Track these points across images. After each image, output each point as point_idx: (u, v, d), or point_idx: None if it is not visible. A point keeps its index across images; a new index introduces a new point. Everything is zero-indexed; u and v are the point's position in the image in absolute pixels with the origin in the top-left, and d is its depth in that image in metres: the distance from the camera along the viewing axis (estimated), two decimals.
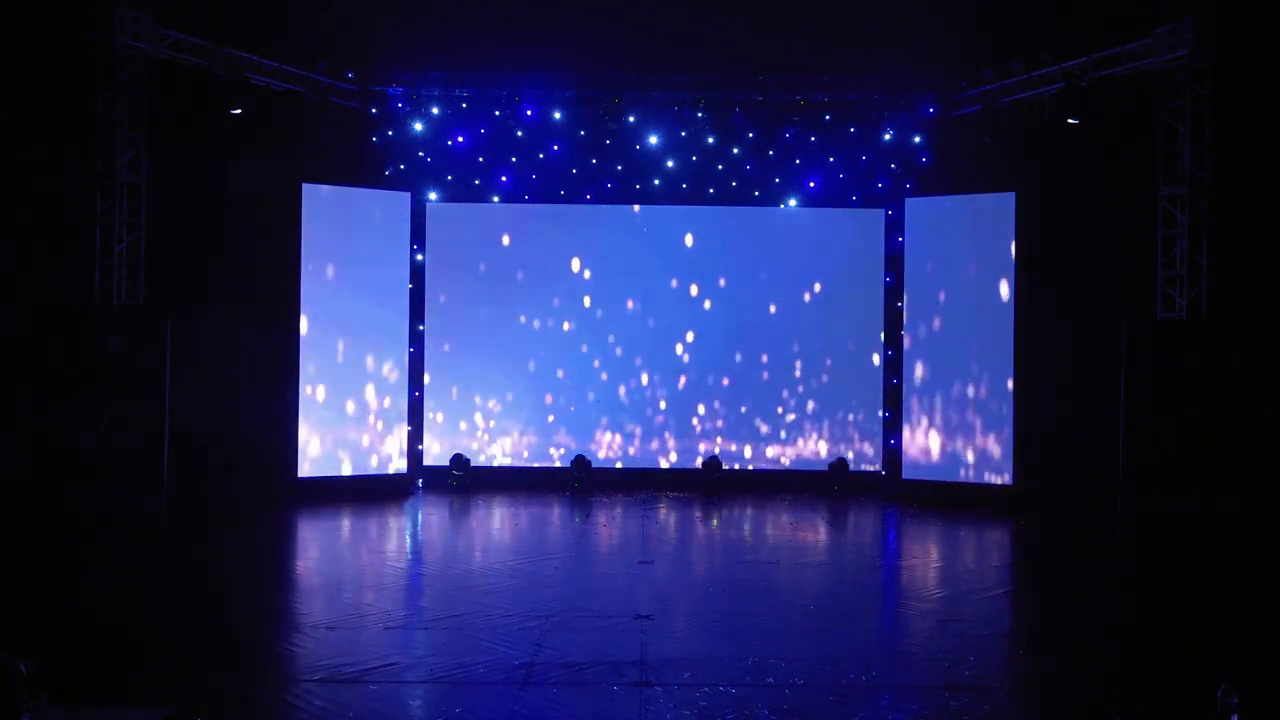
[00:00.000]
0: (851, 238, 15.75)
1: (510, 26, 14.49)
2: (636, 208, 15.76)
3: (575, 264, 15.79)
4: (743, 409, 15.77)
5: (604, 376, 15.78)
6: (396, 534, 12.47)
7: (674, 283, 15.80)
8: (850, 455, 15.52)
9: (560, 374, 15.76)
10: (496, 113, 15.26)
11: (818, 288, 15.73)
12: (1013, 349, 14.15)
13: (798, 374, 15.75)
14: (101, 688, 6.65)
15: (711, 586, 9.63)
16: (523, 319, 15.76)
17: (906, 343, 14.98)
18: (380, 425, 14.81)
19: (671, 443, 15.80)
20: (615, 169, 15.65)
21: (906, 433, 14.95)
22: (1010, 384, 14.16)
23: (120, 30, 12.56)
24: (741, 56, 14.92)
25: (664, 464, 15.78)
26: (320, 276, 14.42)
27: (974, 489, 14.28)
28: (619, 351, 15.80)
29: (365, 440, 14.68)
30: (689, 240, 15.83)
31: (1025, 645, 7.85)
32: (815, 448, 15.68)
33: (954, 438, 14.55)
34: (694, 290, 15.80)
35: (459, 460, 15.37)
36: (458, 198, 15.69)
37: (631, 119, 15.25)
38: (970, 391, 14.46)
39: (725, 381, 15.79)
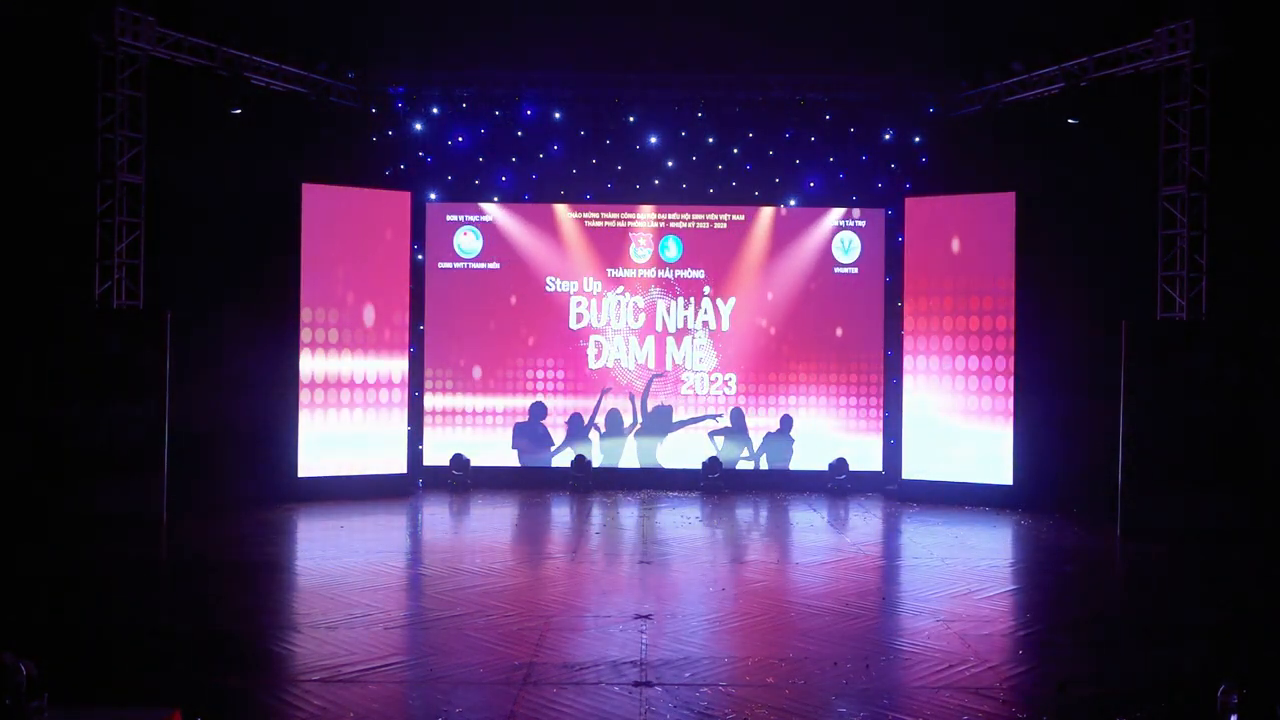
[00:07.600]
0: (851, 238, 15.76)
1: (510, 26, 14.50)
2: (636, 207, 15.78)
3: (575, 263, 15.79)
4: (742, 408, 15.78)
5: (604, 376, 15.80)
6: (396, 533, 12.46)
7: (673, 282, 15.82)
8: (850, 455, 15.52)
9: (560, 373, 15.78)
10: (496, 113, 15.29)
11: (817, 288, 15.74)
12: (1013, 348, 14.18)
13: (797, 373, 15.76)
14: (101, 688, 6.65)
15: (711, 586, 9.62)
16: (522, 318, 15.77)
17: (906, 343, 14.98)
18: (380, 425, 14.80)
19: (671, 442, 15.80)
20: (615, 169, 15.66)
21: (906, 432, 14.95)
22: (1010, 383, 14.18)
23: (120, 30, 12.57)
24: (741, 56, 14.93)
25: (664, 464, 15.78)
26: (320, 276, 14.42)
27: (974, 488, 14.29)
28: (619, 351, 15.81)
29: (365, 440, 14.68)
30: (688, 240, 15.84)
31: (1025, 645, 7.85)
32: (815, 447, 15.68)
33: (954, 437, 14.56)
34: (693, 290, 15.81)
35: (459, 460, 15.37)
36: (458, 197, 15.70)
37: (631, 119, 15.26)
38: (970, 391, 14.47)
39: (724, 381, 15.80)
